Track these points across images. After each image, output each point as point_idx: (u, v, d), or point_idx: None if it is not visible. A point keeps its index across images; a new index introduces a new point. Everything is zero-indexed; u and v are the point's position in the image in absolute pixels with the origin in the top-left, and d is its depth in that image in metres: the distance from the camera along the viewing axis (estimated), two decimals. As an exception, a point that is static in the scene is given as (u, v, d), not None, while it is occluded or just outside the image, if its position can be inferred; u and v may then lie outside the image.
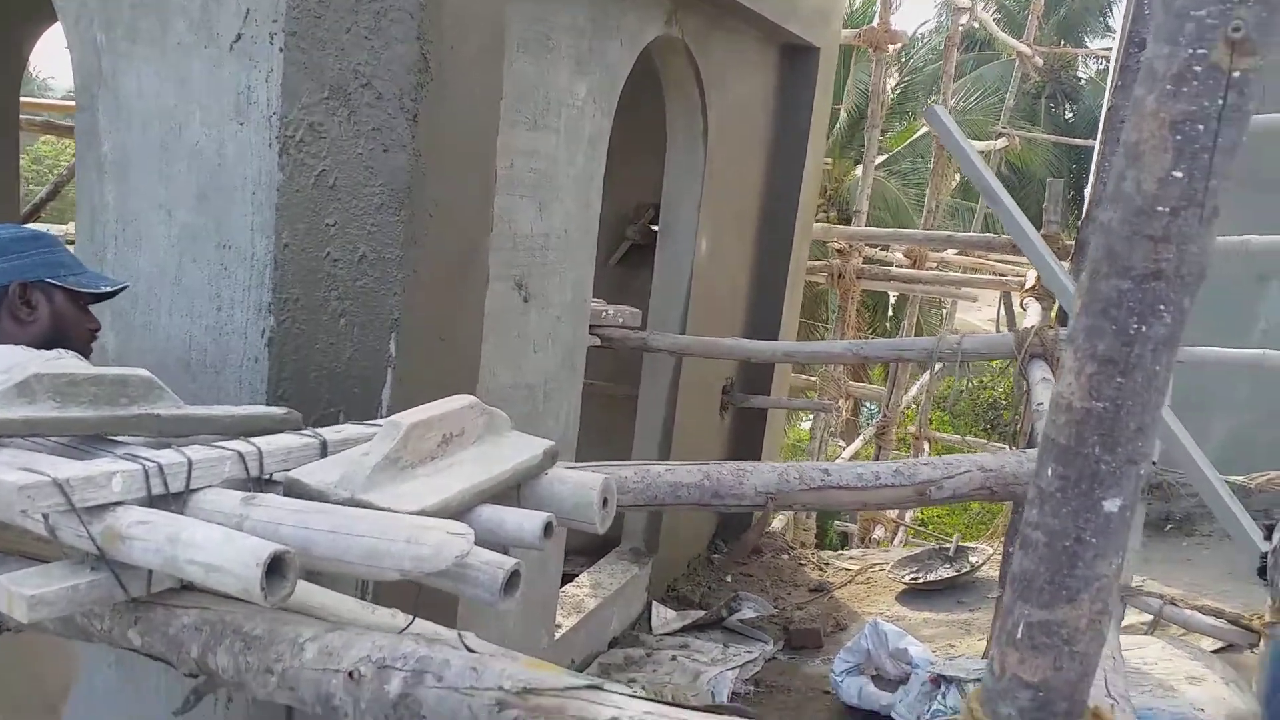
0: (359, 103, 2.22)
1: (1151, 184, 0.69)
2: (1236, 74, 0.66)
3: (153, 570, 1.28)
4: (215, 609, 1.28)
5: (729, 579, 5.49)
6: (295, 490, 1.35)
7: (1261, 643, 2.92)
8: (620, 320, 4.40)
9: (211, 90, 2.38)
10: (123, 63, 2.45)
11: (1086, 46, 20.61)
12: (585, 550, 5.37)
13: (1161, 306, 0.71)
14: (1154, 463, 2.97)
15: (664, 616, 4.95)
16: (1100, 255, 0.72)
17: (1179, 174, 0.68)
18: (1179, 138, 0.67)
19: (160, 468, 1.30)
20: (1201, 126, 0.67)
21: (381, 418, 1.60)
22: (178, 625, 1.28)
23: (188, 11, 2.37)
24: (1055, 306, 4.12)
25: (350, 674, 1.11)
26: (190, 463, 1.34)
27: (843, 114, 14.91)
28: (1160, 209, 0.69)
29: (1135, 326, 0.72)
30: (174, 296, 2.49)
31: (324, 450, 1.50)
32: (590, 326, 4.05)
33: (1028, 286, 4.70)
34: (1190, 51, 0.66)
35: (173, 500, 1.32)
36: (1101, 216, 0.73)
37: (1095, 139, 4.45)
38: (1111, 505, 0.78)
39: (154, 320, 2.52)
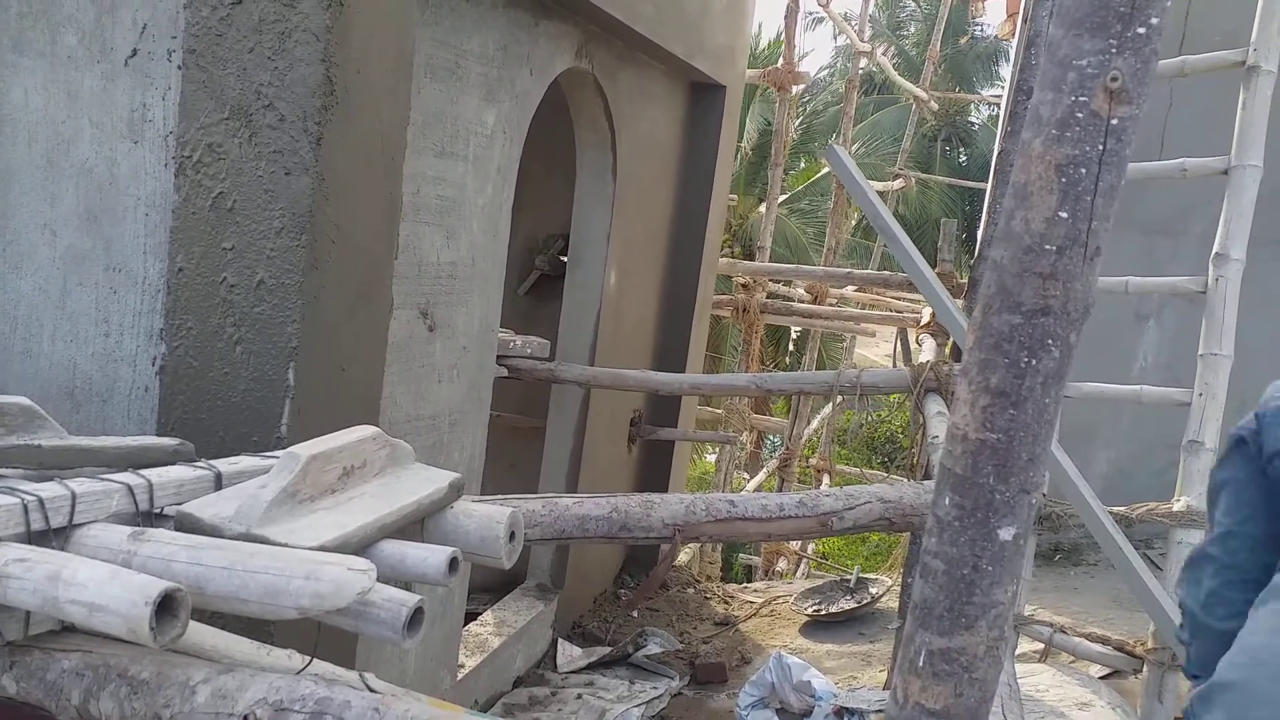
0: (260, 124, 2.18)
1: (1039, 223, 0.72)
2: (1115, 121, 0.69)
3: (30, 611, 1.21)
4: (99, 652, 1.21)
5: (635, 614, 5.46)
6: (188, 525, 1.29)
7: (1145, 668, 3.05)
8: (528, 351, 4.37)
9: (104, 106, 2.30)
10: (7, 73, 2.35)
11: (978, 93, 21.56)
12: (490, 587, 5.28)
13: (1050, 341, 0.75)
14: (1043, 494, 3.09)
15: (570, 654, 4.89)
16: (992, 291, 0.75)
17: (1064, 214, 0.71)
18: (1064, 180, 0.71)
19: (40, 501, 1.23)
20: (1084, 170, 0.70)
21: (279, 450, 1.56)
22: (57, 670, 1.21)
23: (79, 23, 2.29)
24: (949, 342, 4.26)
25: (246, 718, 1.06)
26: (74, 496, 1.27)
27: (746, 151, 15.26)
28: (1047, 247, 0.72)
29: (1026, 360, 0.75)
30: (58, 321, 2.38)
31: (219, 483, 1.45)
32: (498, 357, 4.02)
33: (923, 323, 4.86)
34: (1073, 99, 0.70)
35: (54, 536, 1.26)
36: (993, 254, 0.76)
37: (987, 181, 4.66)
38: (1006, 533, 0.80)
39: (36, 346, 2.40)
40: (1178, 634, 1.39)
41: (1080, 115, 0.71)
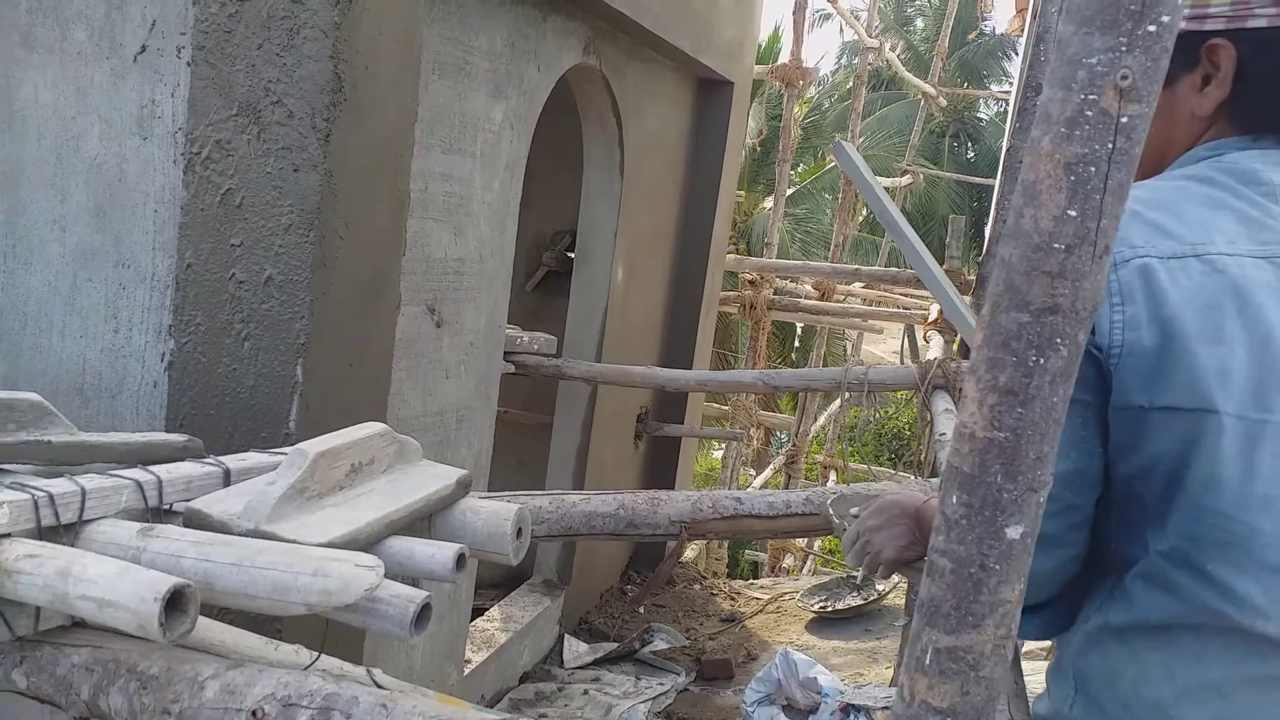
0: (269, 120, 2.18)
1: (1048, 222, 0.72)
2: (1124, 119, 0.69)
3: (41, 607, 1.21)
4: (109, 647, 1.22)
5: (641, 610, 5.47)
6: (196, 521, 1.30)
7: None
8: (535, 347, 4.38)
9: (113, 102, 2.30)
10: (17, 70, 2.36)
11: (987, 89, 21.49)
12: (496, 583, 5.30)
13: (1058, 340, 0.74)
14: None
15: (576, 650, 4.90)
16: (1001, 290, 0.75)
17: (1073, 213, 0.71)
18: (1073, 178, 0.71)
19: (51, 497, 1.24)
20: (1093, 168, 0.70)
21: (287, 446, 1.56)
22: (67, 665, 1.22)
23: (89, 20, 2.30)
24: (957, 339, 4.25)
25: (254, 713, 1.07)
26: (84, 492, 1.28)
27: (755, 146, 15.22)
28: (1056, 246, 0.72)
29: (1034, 359, 0.75)
30: (67, 318, 2.39)
31: (227, 479, 1.46)
32: (505, 353, 4.02)
33: (930, 320, 4.85)
34: (1082, 97, 0.70)
35: (64, 532, 1.26)
36: (1002, 252, 0.75)
37: (996, 178, 4.65)
38: (1014, 532, 0.80)
39: (45, 343, 2.41)
40: None
41: (1090, 113, 0.71)
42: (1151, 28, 0.69)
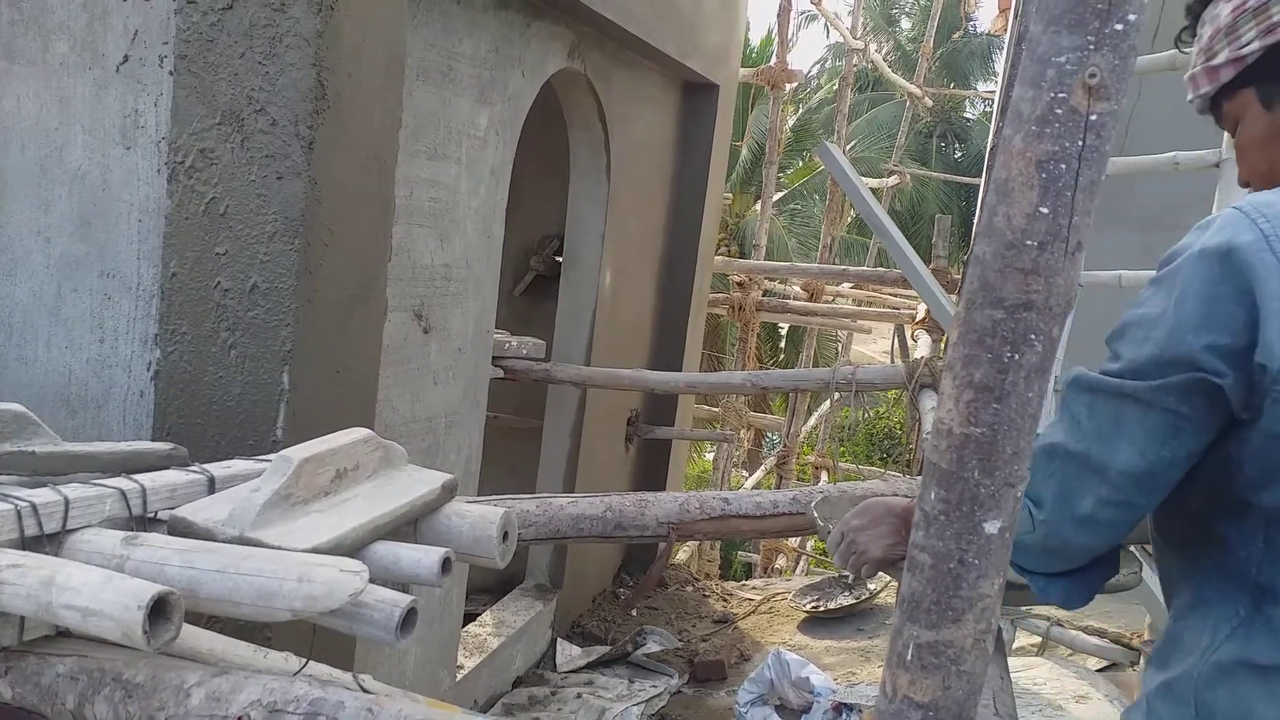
0: (252, 129, 2.18)
1: (1020, 219, 0.73)
2: (1094, 117, 0.70)
3: (25, 617, 1.21)
4: (94, 656, 1.22)
5: (634, 613, 5.47)
6: (181, 529, 1.30)
7: (1142, 660, 3.06)
8: (524, 352, 4.38)
9: (96, 113, 2.30)
10: (0, 81, 2.35)
11: (973, 89, 21.57)
12: (489, 588, 5.29)
13: (1033, 336, 0.75)
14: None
15: (569, 653, 4.90)
16: (975, 287, 0.75)
17: (1045, 210, 0.72)
18: (1044, 176, 0.72)
19: (34, 507, 1.24)
20: (1064, 166, 0.71)
21: (274, 453, 1.56)
22: (52, 674, 1.21)
23: (71, 30, 2.29)
24: (945, 338, 4.27)
25: (240, 719, 1.06)
26: (67, 501, 1.28)
27: (744, 152, 15.27)
28: (1029, 243, 0.73)
29: (1009, 355, 0.75)
30: (52, 328, 2.39)
31: (212, 487, 1.46)
32: (493, 358, 4.02)
33: (918, 319, 4.87)
34: (1052, 95, 0.71)
35: (48, 542, 1.26)
36: (976, 250, 0.76)
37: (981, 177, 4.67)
38: (992, 527, 0.81)
39: (30, 353, 2.41)
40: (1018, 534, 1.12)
41: (1059, 111, 0.72)
42: (1118, 26, 0.70)
